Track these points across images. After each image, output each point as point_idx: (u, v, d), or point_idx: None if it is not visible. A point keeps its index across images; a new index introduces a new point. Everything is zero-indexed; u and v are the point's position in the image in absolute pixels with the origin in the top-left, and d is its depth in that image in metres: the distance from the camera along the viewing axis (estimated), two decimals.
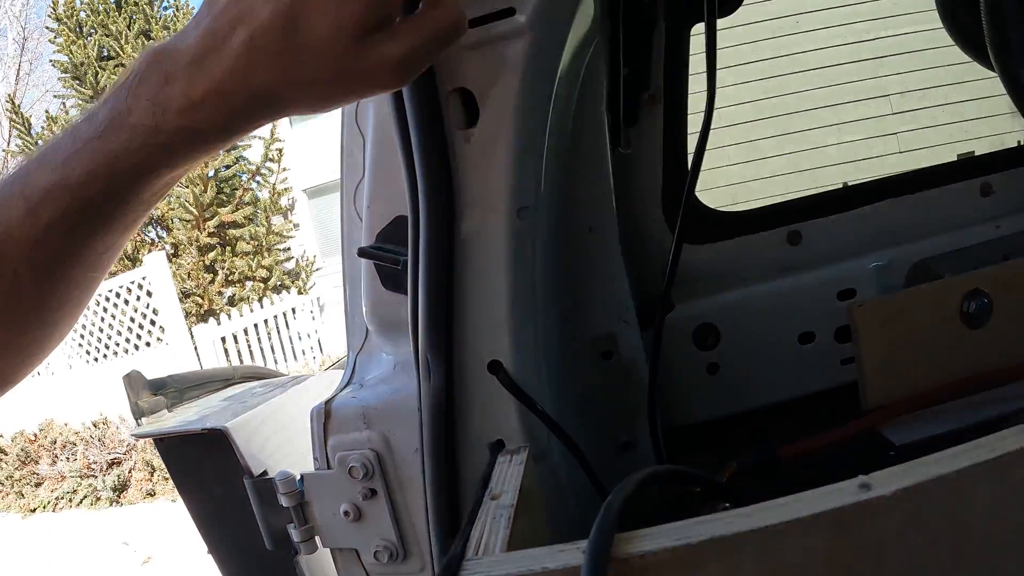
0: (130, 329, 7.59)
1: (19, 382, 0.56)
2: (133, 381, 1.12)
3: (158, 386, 1.14)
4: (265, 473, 0.87)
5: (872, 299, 0.88)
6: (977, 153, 1.04)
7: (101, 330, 7.75)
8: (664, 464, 0.73)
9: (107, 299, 7.61)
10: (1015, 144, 1.06)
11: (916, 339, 0.78)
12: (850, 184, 1.00)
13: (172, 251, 8.97)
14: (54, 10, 9.00)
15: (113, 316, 7.62)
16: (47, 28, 10.00)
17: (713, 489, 0.54)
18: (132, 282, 7.44)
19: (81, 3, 9.13)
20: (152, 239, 9.51)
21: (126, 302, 7.52)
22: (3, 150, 11.47)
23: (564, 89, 0.63)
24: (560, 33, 0.59)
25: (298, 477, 0.77)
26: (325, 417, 0.73)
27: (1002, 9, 0.73)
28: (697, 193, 0.87)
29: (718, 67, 0.72)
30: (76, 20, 9.11)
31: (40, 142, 8.92)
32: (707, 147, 0.75)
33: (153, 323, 7.43)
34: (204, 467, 1.00)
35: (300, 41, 0.42)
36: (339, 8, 0.42)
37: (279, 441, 0.94)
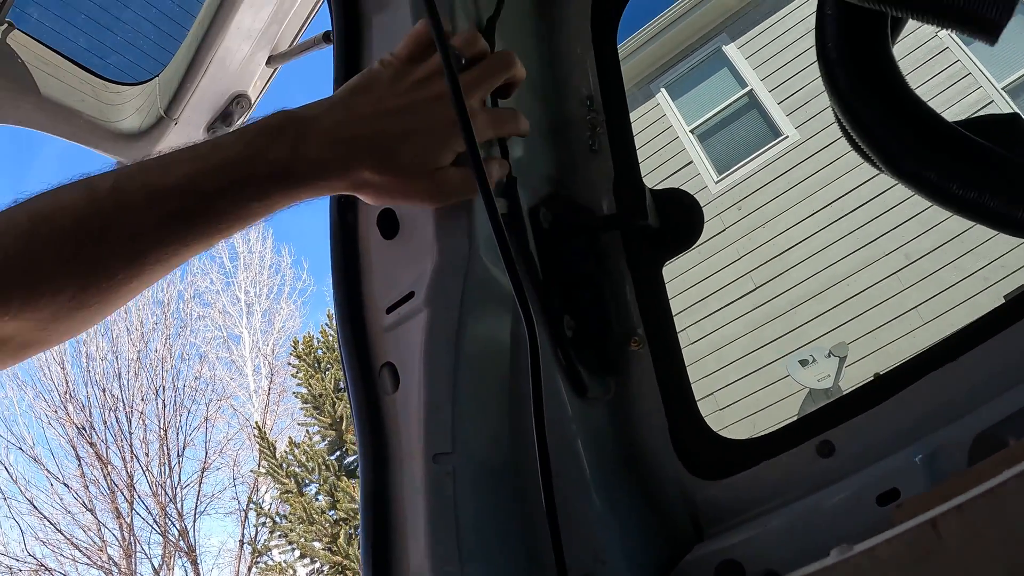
0: None
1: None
2: None
3: None
4: None
5: (919, 495, 0.81)
6: None
7: None
8: None
9: None
10: None
11: None
12: (882, 373, 0.95)
13: None
14: (295, 348, 10.92)
15: None
16: (289, 364, 12.11)
17: None
18: None
19: (318, 342, 11.00)
20: None
21: None
22: (252, 471, 13.34)
23: (478, 350, 0.76)
24: (452, 304, 0.74)
25: None
26: None
27: (861, 117, 0.74)
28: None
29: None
30: (314, 357, 10.93)
31: (284, 464, 10.28)
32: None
33: None
34: None
35: (396, 156, 0.67)
36: (426, 150, 0.69)
37: None
